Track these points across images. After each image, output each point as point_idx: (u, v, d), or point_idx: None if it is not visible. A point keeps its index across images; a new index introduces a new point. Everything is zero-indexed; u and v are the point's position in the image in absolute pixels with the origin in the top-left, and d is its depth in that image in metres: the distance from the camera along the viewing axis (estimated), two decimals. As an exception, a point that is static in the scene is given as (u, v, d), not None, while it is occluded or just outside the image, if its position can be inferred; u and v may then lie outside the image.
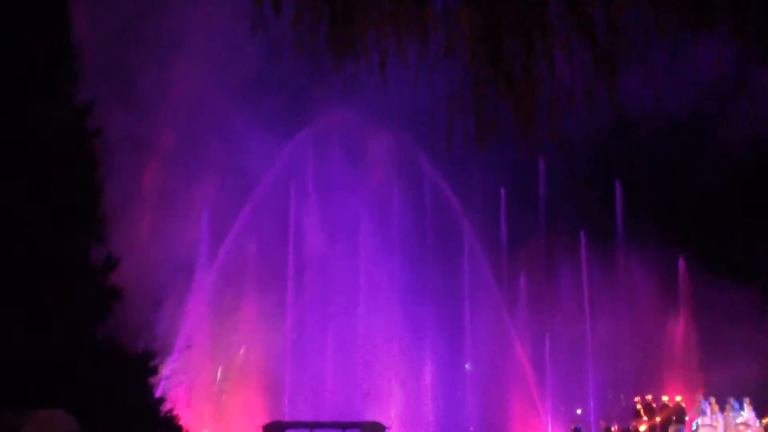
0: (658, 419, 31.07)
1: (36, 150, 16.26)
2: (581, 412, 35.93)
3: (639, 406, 32.11)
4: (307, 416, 29.87)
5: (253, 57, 28.63)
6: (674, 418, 30.46)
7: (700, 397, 30.58)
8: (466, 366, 36.75)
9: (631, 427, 31.49)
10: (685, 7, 6.66)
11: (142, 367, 18.30)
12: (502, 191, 37.35)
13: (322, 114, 32.88)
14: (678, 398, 32.10)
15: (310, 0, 5.98)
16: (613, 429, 32.62)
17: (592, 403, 35.67)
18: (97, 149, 18.38)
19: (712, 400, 29.11)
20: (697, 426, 29.06)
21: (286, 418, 29.74)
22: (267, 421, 27.12)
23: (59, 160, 16.87)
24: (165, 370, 23.53)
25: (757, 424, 28.88)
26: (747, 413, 28.84)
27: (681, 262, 36.93)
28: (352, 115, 30.95)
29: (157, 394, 20.22)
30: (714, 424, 28.31)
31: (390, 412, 32.20)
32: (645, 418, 31.38)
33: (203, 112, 30.45)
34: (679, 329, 36.85)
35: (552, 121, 6.03)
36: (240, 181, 31.86)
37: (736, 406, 29.20)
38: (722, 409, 28.92)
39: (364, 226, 33.76)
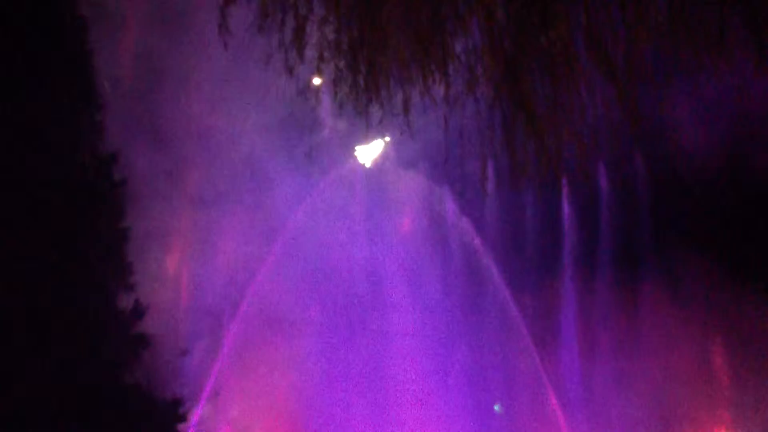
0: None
1: (62, 199, 16.45)
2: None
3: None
4: None
5: (281, 99, 28.78)
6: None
7: None
8: (495, 407, 36.41)
9: None
10: (705, 41, 6.69)
11: (171, 414, 18.29)
12: (527, 219, 37.23)
13: (349, 156, 33.05)
14: None
15: (334, 48, 6.06)
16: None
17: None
18: (123, 197, 18.58)
19: None
20: None
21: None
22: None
23: (85, 209, 17.06)
24: (193, 417, 23.50)
25: None
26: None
27: (723, 296, 36.44)
28: (378, 158, 31.09)
29: (186, 441, 20.19)
30: None
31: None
32: None
33: (231, 156, 30.68)
34: (719, 366, 36.31)
35: (579, 159, 6.07)
36: (267, 225, 31.97)
37: None
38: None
39: (390, 266, 33.72)
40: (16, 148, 15.86)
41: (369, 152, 30.73)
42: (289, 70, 6.14)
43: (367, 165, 32.86)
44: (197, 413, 24.87)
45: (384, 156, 30.60)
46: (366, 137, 29.13)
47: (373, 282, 33.60)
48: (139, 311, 18.36)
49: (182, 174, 29.67)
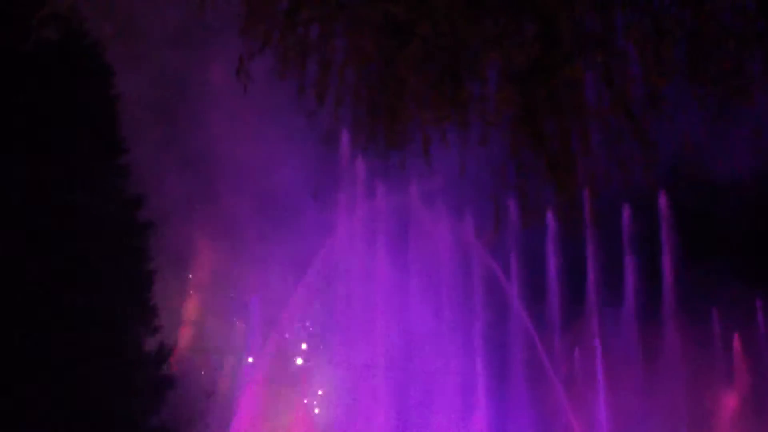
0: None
1: (88, 243, 16.61)
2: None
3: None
4: None
5: (300, 151, 28.85)
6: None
7: None
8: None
9: None
10: (723, 79, 6.74)
11: (197, 456, 18.30)
12: (551, 265, 37.19)
13: (367, 200, 33.18)
14: None
15: (352, 94, 6.15)
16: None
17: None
18: (148, 240, 18.73)
19: None
20: None
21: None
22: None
23: (111, 252, 17.21)
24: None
25: None
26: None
27: (736, 337, 36.36)
28: (399, 198, 31.21)
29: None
30: None
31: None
32: None
33: (250, 200, 30.87)
34: (733, 401, 36.07)
35: (592, 198, 6.10)
36: (289, 268, 32.07)
37: None
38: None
39: (412, 311, 33.72)
40: (42, 194, 16.08)
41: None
42: (309, 115, 6.23)
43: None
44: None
45: (405, 192, 30.72)
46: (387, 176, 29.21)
47: (395, 326, 33.60)
48: (164, 354, 18.43)
49: (207, 218, 29.87)
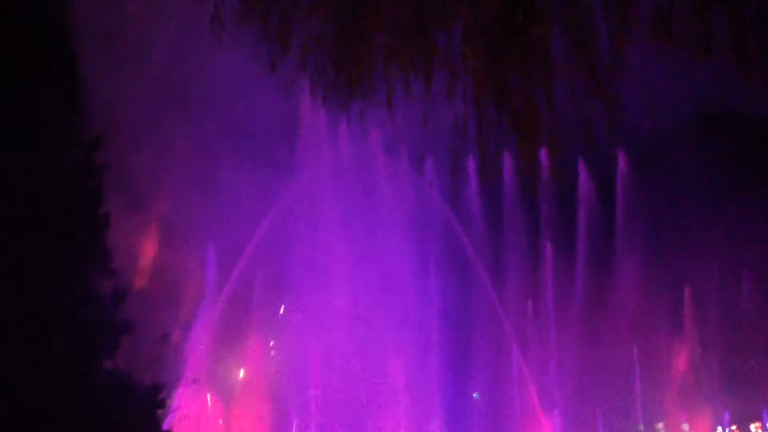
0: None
1: (43, 182, 16.35)
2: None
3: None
4: None
5: (261, 96, 28.73)
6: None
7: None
8: (474, 395, 36.65)
9: None
10: (686, 38, 6.76)
11: (151, 400, 18.27)
12: (506, 215, 37.48)
13: (329, 147, 33.09)
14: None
15: (316, 43, 6.09)
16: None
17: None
18: (103, 184, 18.47)
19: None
20: None
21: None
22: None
23: (66, 193, 16.96)
24: (173, 403, 23.52)
25: None
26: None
27: (687, 289, 37.00)
28: (359, 147, 31.17)
29: (165, 426, 20.18)
30: None
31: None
32: None
33: (209, 146, 30.63)
34: (687, 355, 36.84)
35: (554, 154, 6.13)
36: (245, 215, 31.96)
37: None
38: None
39: (369, 256, 33.82)
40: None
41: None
42: (272, 65, 6.16)
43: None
44: (176, 399, 24.89)
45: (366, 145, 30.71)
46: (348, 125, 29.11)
47: (354, 260, 33.71)
48: (118, 296, 18.25)
49: (163, 165, 29.59)
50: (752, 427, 29.45)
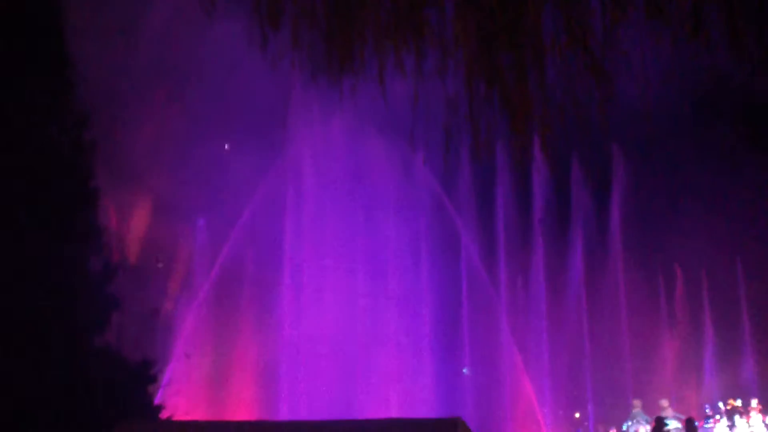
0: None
1: (30, 160, 16.27)
2: (579, 416, 35.99)
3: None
4: (307, 416, 29.90)
5: (253, 71, 28.59)
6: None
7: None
8: (464, 370, 36.78)
9: None
10: (680, 19, 6.71)
11: (142, 375, 18.28)
12: (498, 194, 37.46)
13: (320, 123, 32.99)
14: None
15: (308, 17, 6.03)
16: (611, 434, 32.57)
17: (590, 407, 35.70)
18: (94, 159, 18.39)
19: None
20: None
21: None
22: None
23: (56, 168, 16.90)
24: (164, 378, 23.54)
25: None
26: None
27: (677, 268, 37.16)
28: (350, 124, 31.07)
29: (156, 401, 20.21)
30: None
31: (389, 413, 32.26)
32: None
33: (200, 122, 30.52)
34: (677, 332, 37.06)
35: (544, 133, 6.09)
36: (237, 190, 31.90)
37: None
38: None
39: (360, 233, 33.82)
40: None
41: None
42: (264, 40, 6.10)
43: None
44: (167, 374, 24.91)
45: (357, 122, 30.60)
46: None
47: (346, 239, 33.70)
48: (109, 272, 18.24)
49: (154, 139, 29.49)
50: (753, 402, 29.67)
